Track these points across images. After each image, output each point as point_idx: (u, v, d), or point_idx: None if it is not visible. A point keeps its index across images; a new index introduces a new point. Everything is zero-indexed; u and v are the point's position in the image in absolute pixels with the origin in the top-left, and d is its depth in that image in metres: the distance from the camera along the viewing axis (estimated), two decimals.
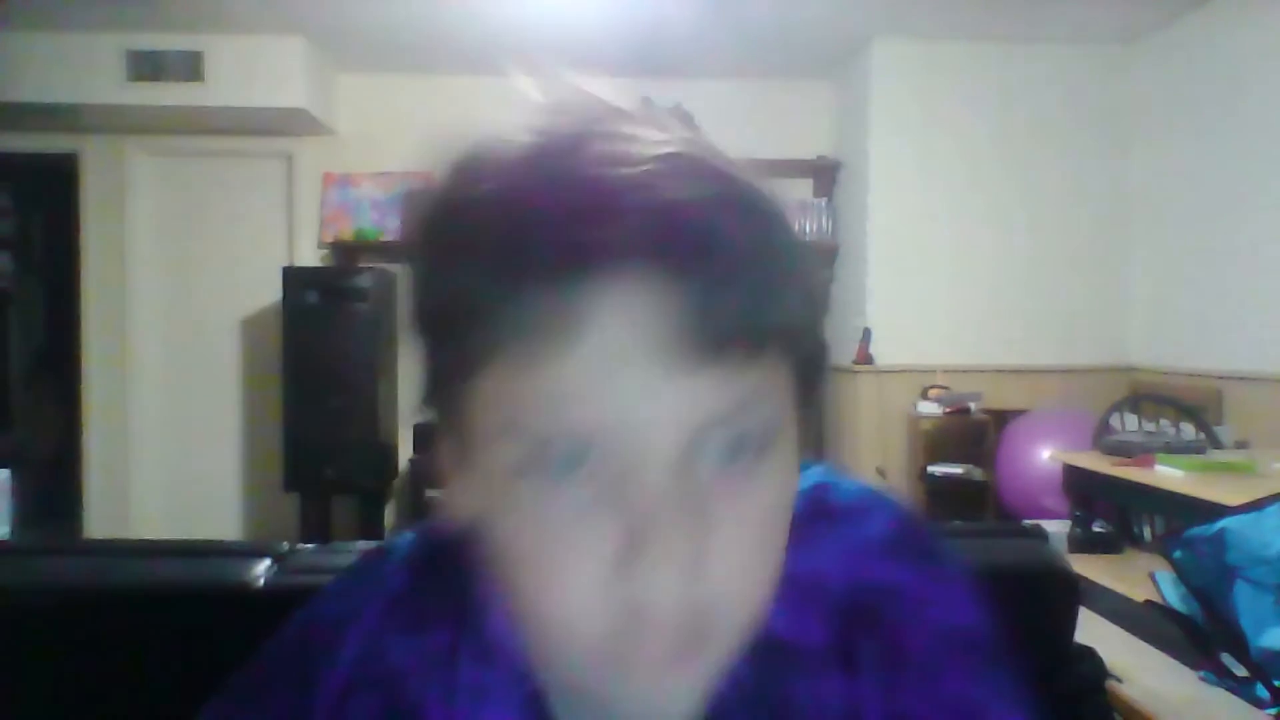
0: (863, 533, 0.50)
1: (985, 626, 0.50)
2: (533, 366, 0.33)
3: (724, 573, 0.36)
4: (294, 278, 3.96)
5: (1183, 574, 1.68)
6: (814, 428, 3.99)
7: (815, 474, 0.54)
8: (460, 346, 0.35)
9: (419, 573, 0.47)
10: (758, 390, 0.36)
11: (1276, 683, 1.45)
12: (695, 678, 0.38)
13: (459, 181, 0.37)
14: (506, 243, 0.33)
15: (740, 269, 0.33)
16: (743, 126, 4.39)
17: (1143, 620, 1.79)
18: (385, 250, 4.35)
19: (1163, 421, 3.26)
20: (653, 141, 0.35)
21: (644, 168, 0.33)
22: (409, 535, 0.50)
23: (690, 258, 0.32)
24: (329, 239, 4.31)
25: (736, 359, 0.34)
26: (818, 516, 0.50)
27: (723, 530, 0.36)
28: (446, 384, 0.38)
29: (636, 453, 0.34)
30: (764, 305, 0.34)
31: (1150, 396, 3.39)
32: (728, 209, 0.34)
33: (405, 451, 4.17)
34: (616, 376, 0.33)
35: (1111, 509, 2.80)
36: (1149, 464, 2.37)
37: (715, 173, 0.35)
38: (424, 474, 3.94)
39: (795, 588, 0.47)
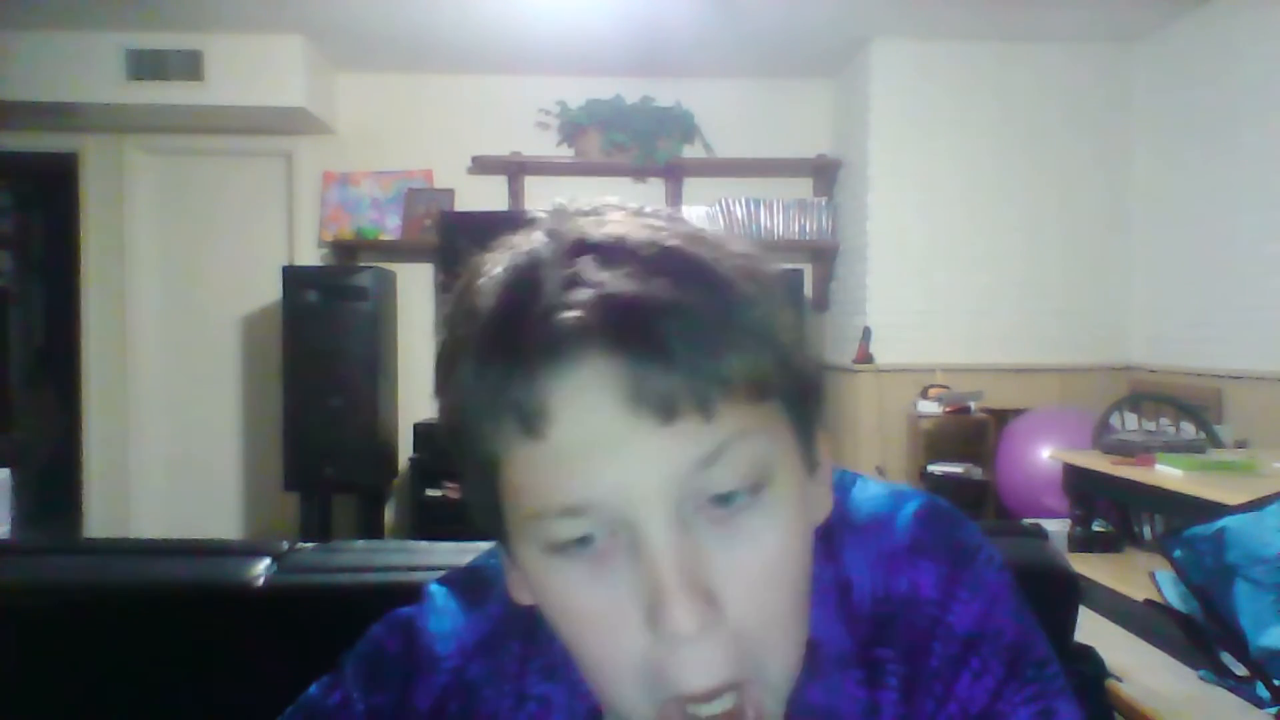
0: (885, 542, 0.51)
1: (1010, 625, 0.49)
2: (529, 457, 0.39)
3: (743, 621, 0.39)
4: (294, 277, 3.96)
5: (1183, 573, 1.68)
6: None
7: (838, 478, 0.55)
8: (476, 457, 0.41)
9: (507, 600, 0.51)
10: (730, 437, 0.39)
11: (1276, 682, 1.45)
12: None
13: (457, 318, 0.43)
14: (490, 361, 0.39)
15: (676, 339, 0.37)
16: (743, 126, 4.40)
17: (1143, 619, 1.79)
18: (384, 249, 4.35)
19: (1163, 421, 3.26)
20: (608, 245, 0.40)
21: (592, 274, 0.39)
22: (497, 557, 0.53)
23: (628, 337, 0.37)
24: (329, 238, 4.31)
25: (691, 415, 0.37)
26: (842, 523, 0.51)
27: (730, 581, 0.39)
28: (477, 489, 0.44)
29: (629, 517, 0.38)
30: (704, 367, 0.37)
31: (1150, 396, 3.39)
32: (664, 289, 0.38)
33: (405, 450, 4.17)
34: (592, 450, 0.38)
35: (1111, 508, 2.80)
36: (1149, 463, 2.38)
37: (659, 260, 0.39)
38: (424, 473, 3.94)
39: (823, 591, 0.49)
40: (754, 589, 0.40)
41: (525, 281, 0.40)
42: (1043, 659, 0.50)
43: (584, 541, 0.39)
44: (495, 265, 0.42)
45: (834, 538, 0.51)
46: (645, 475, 0.38)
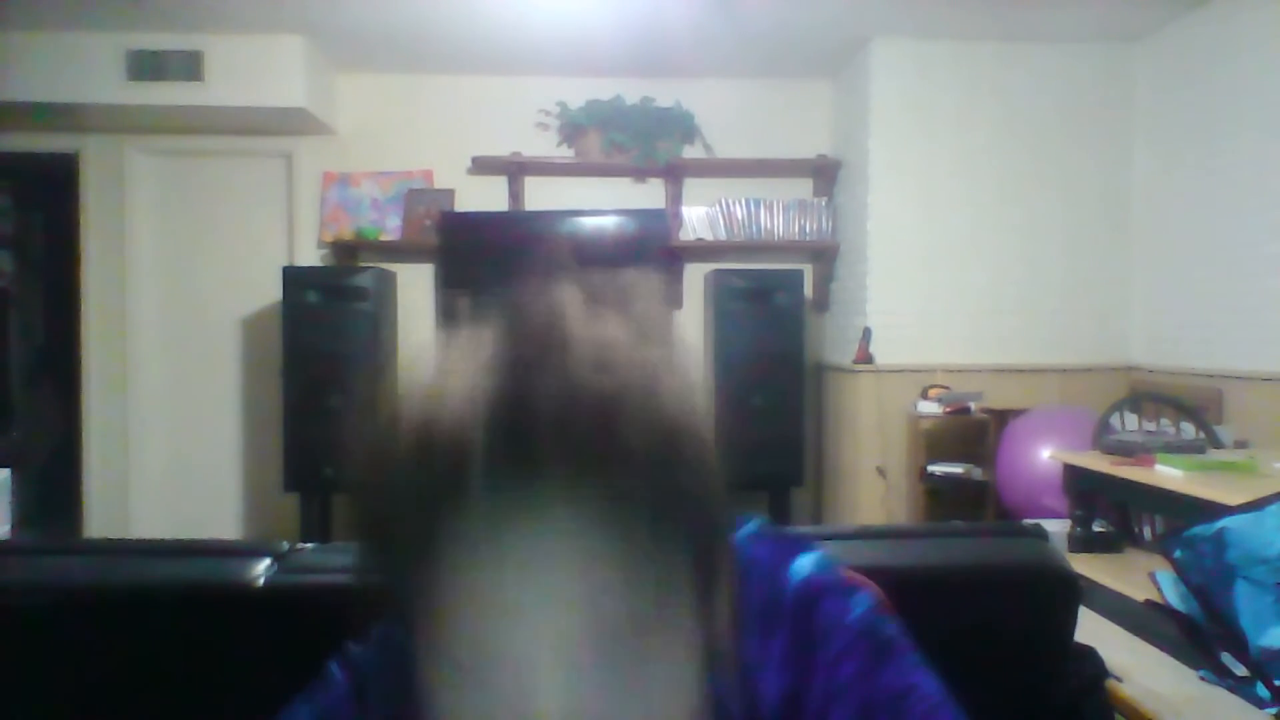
0: (766, 645, 0.52)
1: (855, 681, 0.50)
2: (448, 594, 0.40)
3: None
4: (294, 277, 3.96)
5: (1183, 573, 1.68)
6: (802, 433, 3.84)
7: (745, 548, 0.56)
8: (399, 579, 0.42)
9: None
10: (619, 578, 0.39)
11: (1277, 682, 1.45)
12: None
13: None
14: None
15: (564, 492, 0.38)
16: (743, 126, 4.40)
17: (1143, 619, 1.79)
18: (384, 250, 4.35)
19: (1163, 421, 3.26)
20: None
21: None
22: None
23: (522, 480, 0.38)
24: (329, 238, 4.31)
25: (579, 560, 0.38)
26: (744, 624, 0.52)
27: (619, 700, 0.39)
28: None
29: (519, 662, 0.38)
30: (585, 514, 0.38)
31: (1150, 396, 3.39)
32: (575, 439, 0.38)
33: None
34: (494, 595, 0.38)
35: (1112, 508, 2.80)
36: (1149, 463, 2.37)
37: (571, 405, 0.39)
38: None
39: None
40: (631, 709, 0.40)
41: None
42: (898, 693, 0.50)
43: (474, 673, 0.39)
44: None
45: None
46: (537, 620, 0.38)
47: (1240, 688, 1.48)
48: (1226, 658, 1.57)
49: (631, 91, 4.33)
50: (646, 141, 4.27)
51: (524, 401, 0.38)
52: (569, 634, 0.38)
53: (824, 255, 4.38)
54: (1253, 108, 3.27)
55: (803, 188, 4.46)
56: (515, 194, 4.37)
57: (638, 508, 0.39)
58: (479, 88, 4.39)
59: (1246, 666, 1.52)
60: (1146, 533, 2.82)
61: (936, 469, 3.67)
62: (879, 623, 0.53)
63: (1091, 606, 1.82)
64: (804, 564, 0.55)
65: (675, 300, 4.39)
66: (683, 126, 4.35)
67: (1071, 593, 0.86)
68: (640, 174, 4.40)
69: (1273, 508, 1.63)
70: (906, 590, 0.57)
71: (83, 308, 4.37)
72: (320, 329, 3.89)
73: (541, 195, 4.39)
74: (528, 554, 0.38)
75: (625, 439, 0.38)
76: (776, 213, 4.31)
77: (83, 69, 3.84)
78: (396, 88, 4.38)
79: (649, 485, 0.39)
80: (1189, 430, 3.05)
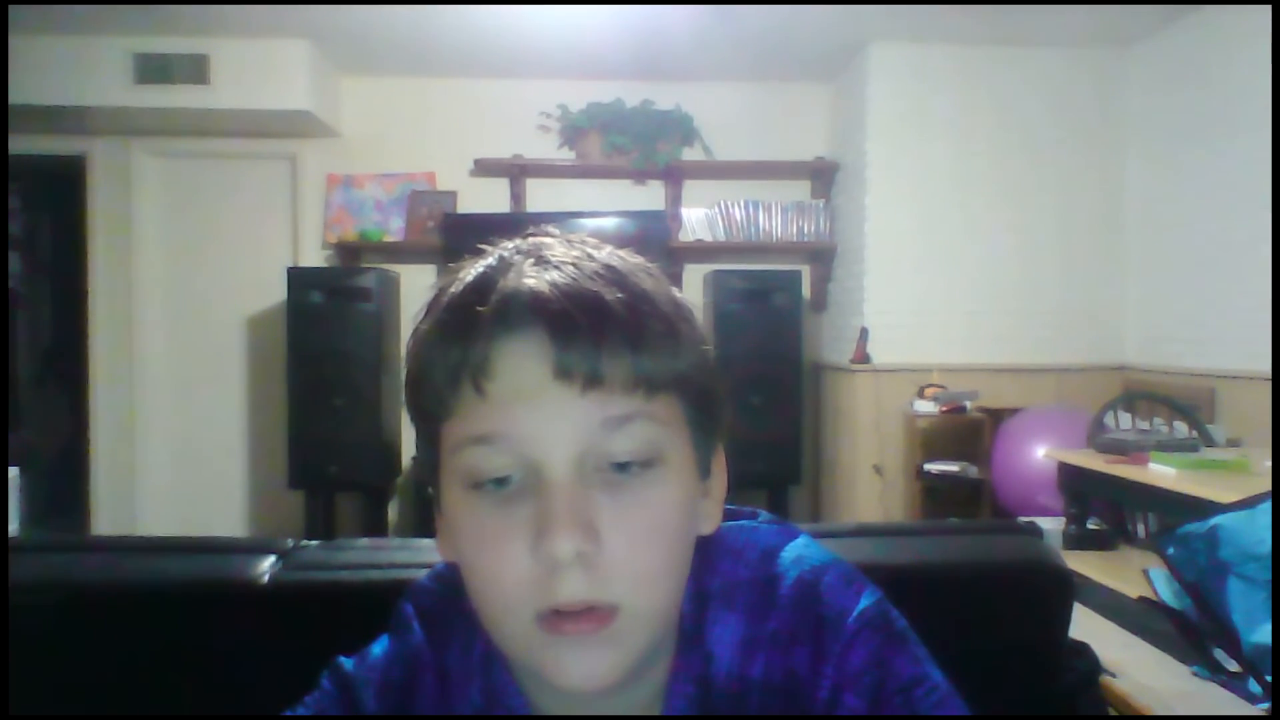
0: (754, 626, 0.54)
1: (868, 666, 0.51)
2: (469, 408, 0.47)
3: (616, 561, 0.46)
4: (298, 278, 3.98)
5: (1176, 570, 1.69)
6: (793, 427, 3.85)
7: (738, 528, 0.58)
8: (427, 411, 0.50)
9: (433, 623, 0.57)
10: (632, 414, 0.47)
11: (1268, 677, 1.47)
12: (608, 653, 0.47)
13: (431, 303, 0.53)
14: (450, 329, 0.48)
15: (601, 329, 0.46)
16: (742, 129, 4.42)
17: (1136, 616, 1.80)
18: (388, 251, 4.38)
19: (1156, 420, 3.27)
20: (557, 256, 0.49)
21: (540, 274, 0.48)
22: (408, 603, 0.59)
23: (563, 321, 0.45)
24: (333, 240, 4.33)
25: (603, 389, 0.46)
26: (720, 598, 0.55)
27: (612, 528, 0.46)
28: (425, 446, 0.52)
29: (537, 458, 0.46)
30: (620, 355, 0.46)
31: (1144, 395, 3.40)
32: (600, 291, 0.47)
33: (408, 449, 4.19)
34: (518, 401, 0.46)
35: (1106, 506, 2.81)
36: (1143, 462, 2.39)
37: (599, 271, 0.48)
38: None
39: (682, 684, 0.53)
40: (633, 538, 0.46)
41: (488, 275, 0.49)
42: (909, 681, 0.51)
43: (498, 482, 0.47)
44: (468, 267, 0.51)
45: (706, 610, 0.54)
46: (558, 427, 0.46)
47: (1232, 683, 1.50)
48: (1219, 654, 1.58)
49: (632, 94, 4.35)
50: (646, 144, 4.29)
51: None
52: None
53: (821, 256, 4.40)
54: (1245, 111, 3.28)
55: (801, 190, 4.47)
56: (517, 196, 4.39)
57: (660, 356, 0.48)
58: (481, 91, 4.41)
59: (1238, 662, 1.53)
60: (1140, 530, 2.83)
61: (933, 467, 3.68)
62: (889, 613, 0.54)
63: (1086, 603, 1.84)
64: (796, 548, 0.56)
65: None
66: (682, 129, 4.37)
67: (1066, 589, 0.86)
68: (640, 176, 4.41)
69: (1264, 505, 1.64)
70: (902, 587, 0.57)
71: (90, 308, 4.39)
72: (324, 329, 3.92)
73: (543, 197, 4.41)
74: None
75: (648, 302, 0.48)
76: (775, 214, 4.33)
77: (90, 72, 3.86)
78: (400, 91, 4.40)
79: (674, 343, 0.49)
80: (1182, 429, 3.06)
